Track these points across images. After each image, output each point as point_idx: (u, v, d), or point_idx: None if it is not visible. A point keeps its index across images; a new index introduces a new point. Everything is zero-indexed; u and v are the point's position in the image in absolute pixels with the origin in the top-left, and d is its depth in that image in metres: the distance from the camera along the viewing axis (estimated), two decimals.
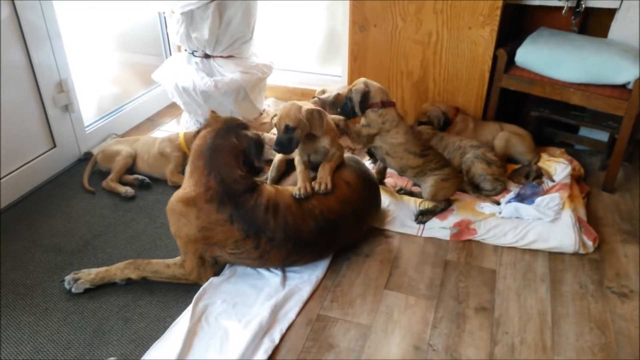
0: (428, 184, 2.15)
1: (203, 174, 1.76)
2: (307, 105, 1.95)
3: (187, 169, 1.84)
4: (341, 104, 2.17)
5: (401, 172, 2.21)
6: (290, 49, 3.41)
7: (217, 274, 1.88)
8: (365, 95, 2.06)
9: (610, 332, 1.69)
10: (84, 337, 1.65)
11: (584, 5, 2.45)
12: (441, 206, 2.17)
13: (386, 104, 2.08)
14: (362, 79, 2.11)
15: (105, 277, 1.83)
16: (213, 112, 1.99)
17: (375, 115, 2.08)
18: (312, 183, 1.91)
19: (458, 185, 2.21)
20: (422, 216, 2.16)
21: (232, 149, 1.80)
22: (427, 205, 2.19)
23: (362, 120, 2.12)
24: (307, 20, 3.31)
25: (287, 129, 1.89)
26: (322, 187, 1.89)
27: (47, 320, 1.71)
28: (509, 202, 2.17)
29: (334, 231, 1.90)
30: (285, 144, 1.91)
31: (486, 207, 2.18)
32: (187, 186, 1.80)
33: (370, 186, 2.07)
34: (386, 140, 2.12)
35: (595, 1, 2.44)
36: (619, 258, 2.02)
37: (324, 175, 1.93)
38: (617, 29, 2.47)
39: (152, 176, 2.47)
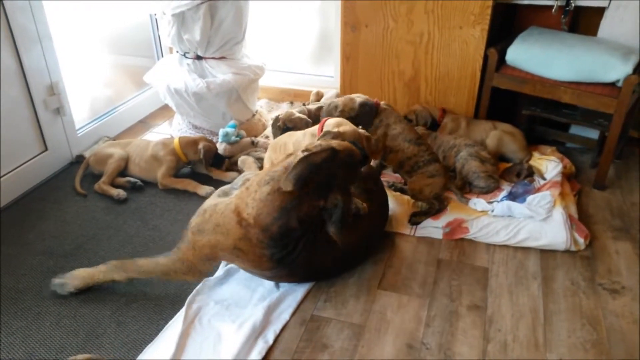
0: (412, 180, 2.18)
1: (270, 216, 1.58)
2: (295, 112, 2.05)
3: (265, 187, 1.59)
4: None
5: (399, 168, 2.27)
6: (282, 49, 3.41)
7: (209, 269, 1.80)
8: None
9: (602, 328, 1.70)
10: (76, 341, 1.64)
11: (573, 4, 2.47)
12: (436, 207, 2.18)
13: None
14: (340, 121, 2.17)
15: (90, 282, 1.80)
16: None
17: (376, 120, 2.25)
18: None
19: (445, 183, 2.21)
20: (416, 217, 2.16)
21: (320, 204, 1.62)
22: (422, 206, 2.20)
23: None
24: (299, 21, 3.31)
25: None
26: (364, 210, 1.84)
27: (39, 324, 1.70)
28: (501, 200, 2.18)
29: (347, 260, 1.90)
30: None
31: (479, 203, 2.19)
32: (250, 204, 1.60)
33: (384, 212, 2.07)
34: (389, 134, 2.22)
35: (584, 0, 2.45)
36: (610, 255, 2.03)
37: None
38: (607, 27, 2.49)
39: (144, 179, 2.46)
